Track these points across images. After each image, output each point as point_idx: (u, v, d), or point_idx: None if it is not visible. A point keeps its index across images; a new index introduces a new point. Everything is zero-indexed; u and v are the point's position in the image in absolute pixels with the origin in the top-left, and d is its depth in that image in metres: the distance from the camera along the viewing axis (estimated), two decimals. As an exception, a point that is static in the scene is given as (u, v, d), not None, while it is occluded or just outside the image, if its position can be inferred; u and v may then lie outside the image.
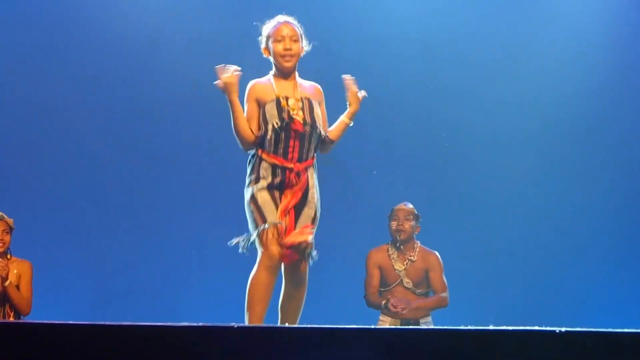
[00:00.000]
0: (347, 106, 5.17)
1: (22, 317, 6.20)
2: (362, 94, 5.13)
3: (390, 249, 6.72)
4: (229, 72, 4.96)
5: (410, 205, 6.75)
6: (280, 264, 4.92)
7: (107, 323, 3.47)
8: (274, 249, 4.84)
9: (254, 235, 4.90)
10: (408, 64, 8.11)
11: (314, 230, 4.99)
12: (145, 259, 7.91)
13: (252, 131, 4.98)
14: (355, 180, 8.07)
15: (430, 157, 8.21)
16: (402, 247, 6.68)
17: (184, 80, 7.96)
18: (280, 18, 5.11)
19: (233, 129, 5.00)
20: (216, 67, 5.00)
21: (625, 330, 3.47)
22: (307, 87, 5.09)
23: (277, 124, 4.92)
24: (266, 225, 4.85)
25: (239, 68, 5.00)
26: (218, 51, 7.84)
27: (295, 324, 5.02)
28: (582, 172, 8.18)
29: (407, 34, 8.08)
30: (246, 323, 4.88)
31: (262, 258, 4.87)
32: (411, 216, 6.69)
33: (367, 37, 8.03)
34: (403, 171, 8.15)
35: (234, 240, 4.98)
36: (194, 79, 7.82)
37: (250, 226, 4.97)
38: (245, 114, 5.00)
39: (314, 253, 4.97)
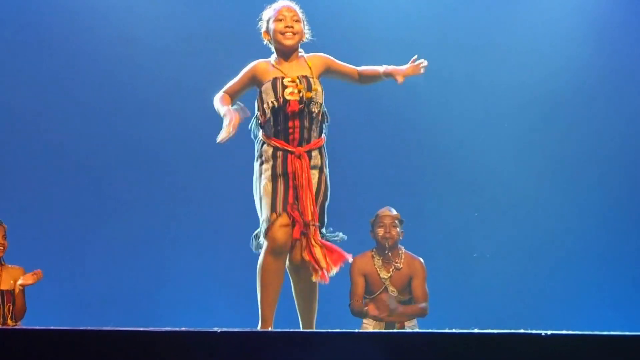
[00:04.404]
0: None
1: (19, 322, 6.26)
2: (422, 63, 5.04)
3: (375, 255, 6.59)
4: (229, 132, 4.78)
5: (395, 211, 6.62)
6: (286, 249, 4.81)
7: (88, 328, 3.45)
8: (278, 234, 4.76)
9: (261, 228, 4.82)
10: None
11: (321, 208, 4.87)
12: (127, 264, 7.88)
13: (226, 92, 4.95)
14: (340, 183, 8.00)
15: (416, 160, 8.13)
16: (389, 254, 6.55)
17: (173, 79, 7.96)
18: (282, 2, 5.01)
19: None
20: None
21: (612, 333, 3.47)
22: (308, 61, 4.97)
23: (273, 103, 4.84)
24: (270, 216, 4.76)
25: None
26: (204, 50, 7.88)
27: (312, 316, 4.94)
28: (570, 176, 8.13)
29: (392, 35, 8.00)
30: (259, 312, 4.83)
31: (267, 243, 4.80)
32: (397, 222, 6.56)
33: (352, 38, 7.92)
34: (385, 174, 8.09)
35: (253, 243, 4.90)
36: (184, 77, 7.84)
37: (260, 216, 4.88)
38: (236, 78, 4.97)
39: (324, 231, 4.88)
